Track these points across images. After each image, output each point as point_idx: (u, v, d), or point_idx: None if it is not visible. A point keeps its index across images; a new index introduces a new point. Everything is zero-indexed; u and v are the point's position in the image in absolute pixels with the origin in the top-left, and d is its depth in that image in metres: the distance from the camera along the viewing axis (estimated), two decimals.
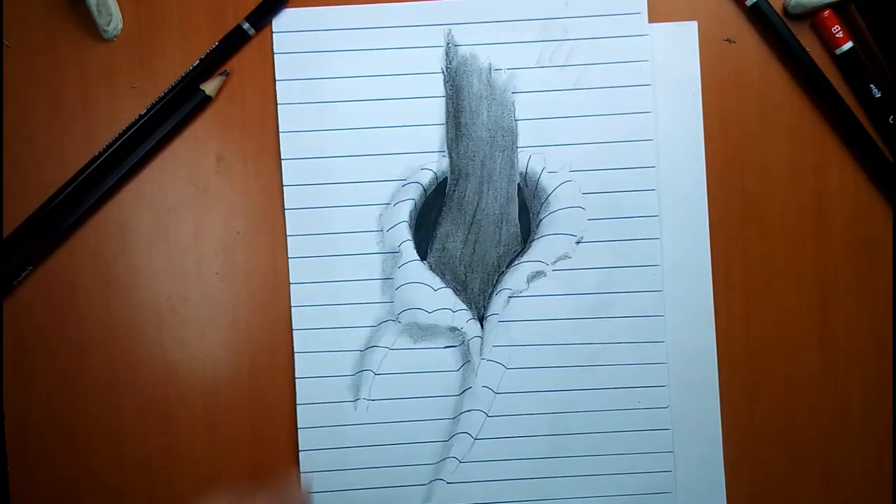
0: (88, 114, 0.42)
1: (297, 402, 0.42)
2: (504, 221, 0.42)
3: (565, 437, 0.42)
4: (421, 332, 0.42)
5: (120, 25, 0.42)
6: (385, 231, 0.42)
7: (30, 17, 0.42)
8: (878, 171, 0.42)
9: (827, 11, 0.41)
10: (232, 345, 0.42)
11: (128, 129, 0.41)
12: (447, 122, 0.42)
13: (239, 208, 0.42)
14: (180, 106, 0.41)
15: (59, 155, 0.42)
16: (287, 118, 0.42)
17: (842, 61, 0.42)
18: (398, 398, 0.42)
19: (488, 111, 0.42)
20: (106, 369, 0.42)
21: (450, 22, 0.42)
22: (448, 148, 0.42)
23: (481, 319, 0.42)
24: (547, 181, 0.42)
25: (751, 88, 0.42)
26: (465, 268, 0.42)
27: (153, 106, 0.41)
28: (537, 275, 0.42)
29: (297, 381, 0.42)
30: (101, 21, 0.41)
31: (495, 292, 0.42)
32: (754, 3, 0.41)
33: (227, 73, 0.42)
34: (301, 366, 0.42)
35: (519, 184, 0.42)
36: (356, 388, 0.42)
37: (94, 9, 0.40)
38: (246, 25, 0.41)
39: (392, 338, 0.42)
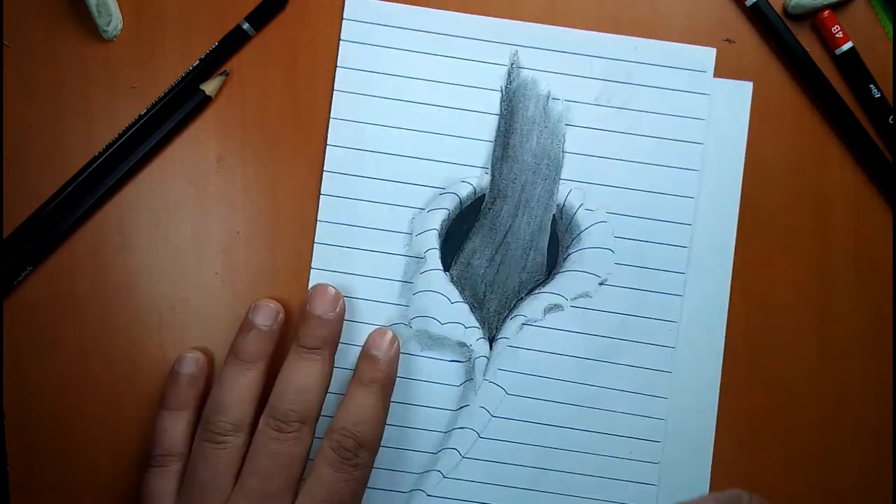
0: (88, 114, 0.42)
1: None
2: (532, 249, 0.42)
3: (551, 472, 0.41)
4: (430, 341, 0.42)
5: (120, 25, 0.42)
6: (414, 235, 0.41)
7: (30, 17, 0.42)
8: (878, 172, 0.42)
9: (827, 11, 0.41)
10: None
11: (128, 129, 0.41)
12: (496, 140, 0.41)
13: (239, 208, 0.42)
14: (180, 106, 0.41)
15: (59, 155, 0.42)
16: (340, 105, 0.41)
17: (842, 61, 0.42)
18: (394, 402, 0.41)
19: (538, 138, 0.41)
20: (106, 369, 0.42)
21: (518, 43, 0.41)
22: (492, 166, 0.41)
23: (491, 340, 0.42)
24: (582, 217, 0.41)
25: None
26: (486, 286, 0.42)
27: (153, 106, 0.41)
28: (555, 307, 0.41)
29: None
30: (101, 21, 0.41)
31: (510, 316, 0.42)
32: (754, 3, 0.41)
33: (226, 74, 0.42)
34: None
35: (554, 215, 0.42)
36: None
37: (94, 9, 0.40)
38: (246, 25, 0.41)
39: (401, 341, 0.41)
